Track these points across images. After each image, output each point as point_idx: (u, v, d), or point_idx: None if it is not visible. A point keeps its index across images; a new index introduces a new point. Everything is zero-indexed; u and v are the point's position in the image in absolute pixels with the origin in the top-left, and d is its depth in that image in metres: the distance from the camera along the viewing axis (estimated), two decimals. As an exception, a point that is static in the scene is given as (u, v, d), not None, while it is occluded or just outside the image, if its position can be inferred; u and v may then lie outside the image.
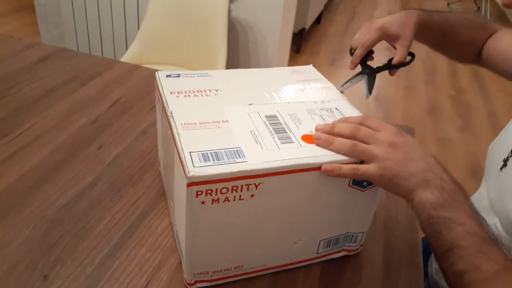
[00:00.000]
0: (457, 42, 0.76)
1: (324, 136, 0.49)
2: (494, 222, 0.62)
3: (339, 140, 0.49)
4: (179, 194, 0.47)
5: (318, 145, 0.49)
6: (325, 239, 0.55)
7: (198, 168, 0.42)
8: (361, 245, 0.59)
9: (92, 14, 2.21)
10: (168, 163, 0.55)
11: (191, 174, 0.41)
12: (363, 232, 0.57)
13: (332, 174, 0.46)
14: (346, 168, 0.47)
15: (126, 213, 0.61)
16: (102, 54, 2.33)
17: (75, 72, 0.98)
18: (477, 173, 2.03)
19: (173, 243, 0.57)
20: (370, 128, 0.51)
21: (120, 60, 1.44)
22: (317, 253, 0.56)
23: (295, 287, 0.54)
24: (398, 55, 0.68)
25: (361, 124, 0.51)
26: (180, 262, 0.54)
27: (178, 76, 0.59)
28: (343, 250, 0.58)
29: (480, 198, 0.69)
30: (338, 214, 0.53)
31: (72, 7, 2.24)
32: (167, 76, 0.59)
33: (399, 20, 0.68)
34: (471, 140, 2.32)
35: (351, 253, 0.59)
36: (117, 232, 0.58)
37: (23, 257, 0.53)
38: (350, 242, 0.57)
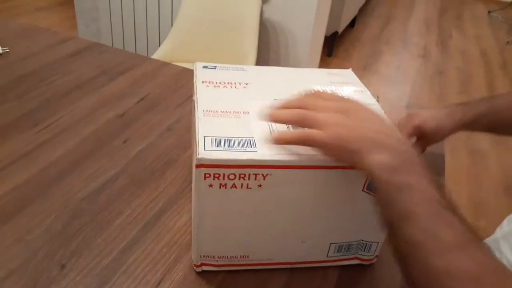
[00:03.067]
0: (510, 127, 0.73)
1: (272, 111, 0.47)
2: None
3: (286, 111, 0.46)
4: (193, 176, 0.48)
5: (270, 121, 0.48)
6: (336, 243, 0.54)
7: (208, 152, 0.43)
8: (376, 256, 0.58)
9: (128, 10, 2.26)
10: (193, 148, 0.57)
11: (200, 156, 0.43)
12: (378, 243, 0.56)
13: (280, 142, 0.44)
14: (295, 133, 0.45)
15: (145, 208, 0.62)
16: (136, 51, 2.37)
17: (105, 66, 1.00)
18: (511, 190, 1.95)
19: (189, 241, 0.57)
20: (323, 98, 0.48)
21: (152, 57, 1.47)
22: (327, 256, 0.55)
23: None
24: None
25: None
26: (195, 261, 0.55)
27: (214, 68, 0.62)
28: (357, 258, 0.57)
29: None
30: (350, 219, 0.52)
31: (109, 3, 2.29)
32: (204, 67, 0.62)
33: (438, 122, 0.68)
34: (506, 154, 2.23)
35: (365, 263, 0.58)
36: (135, 226, 0.59)
37: (43, 246, 0.55)
38: (364, 251, 0.56)
